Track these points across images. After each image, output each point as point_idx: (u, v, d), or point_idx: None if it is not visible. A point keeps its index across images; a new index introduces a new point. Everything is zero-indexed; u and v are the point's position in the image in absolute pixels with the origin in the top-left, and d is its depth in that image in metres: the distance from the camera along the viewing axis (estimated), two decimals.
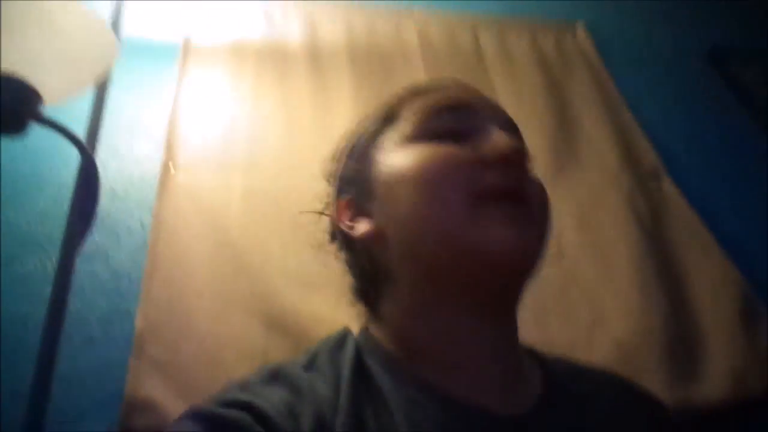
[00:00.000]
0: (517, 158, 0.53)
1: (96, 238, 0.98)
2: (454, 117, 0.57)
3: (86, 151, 0.72)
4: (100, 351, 0.89)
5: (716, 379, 0.94)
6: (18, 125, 0.72)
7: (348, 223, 0.60)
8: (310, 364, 0.52)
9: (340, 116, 1.23)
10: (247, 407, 0.45)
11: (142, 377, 0.82)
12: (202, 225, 1.01)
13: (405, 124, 0.58)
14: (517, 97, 1.37)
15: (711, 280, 1.09)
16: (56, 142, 1.08)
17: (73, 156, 1.07)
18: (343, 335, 0.56)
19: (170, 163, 1.07)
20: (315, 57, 1.34)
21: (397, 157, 0.56)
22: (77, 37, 0.74)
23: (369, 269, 0.58)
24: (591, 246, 1.11)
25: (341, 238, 0.63)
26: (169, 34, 1.30)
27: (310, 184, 1.07)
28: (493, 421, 0.49)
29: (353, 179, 0.61)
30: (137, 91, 1.20)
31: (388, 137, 0.59)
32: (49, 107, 0.79)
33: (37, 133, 1.05)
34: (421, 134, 0.56)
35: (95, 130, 0.78)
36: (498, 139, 0.54)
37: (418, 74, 1.36)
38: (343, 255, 0.64)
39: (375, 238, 0.57)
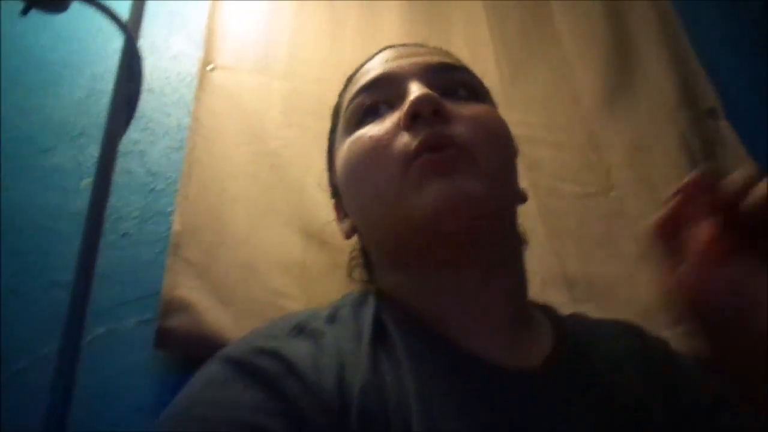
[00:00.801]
0: (424, 108, 0.51)
1: (132, 135, 0.95)
2: (373, 93, 0.57)
3: (131, 36, 0.67)
4: (134, 248, 0.88)
5: None
6: (59, 2, 0.67)
7: (340, 225, 0.65)
8: (332, 317, 0.52)
9: (386, 30, 1.17)
10: (276, 356, 0.45)
11: (178, 278, 0.80)
12: (241, 131, 0.98)
13: (341, 121, 0.61)
14: (574, 20, 1.30)
15: None
16: (93, 30, 1.05)
17: (111, 46, 1.04)
18: (365, 294, 0.57)
19: (209, 62, 1.02)
20: None
21: (339, 153, 0.59)
22: None
23: (362, 256, 0.64)
24: (641, 181, 1.07)
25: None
26: None
27: None
28: (500, 373, 0.48)
29: (332, 183, 0.66)
30: None
31: (338, 136, 0.62)
32: None
33: (73, 19, 1.01)
34: (350, 125, 0.58)
35: (138, 15, 0.73)
36: (410, 95, 0.53)
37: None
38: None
39: (355, 233, 0.62)
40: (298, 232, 0.90)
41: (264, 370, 0.43)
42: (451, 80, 0.58)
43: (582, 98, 1.17)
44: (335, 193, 0.66)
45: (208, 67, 1.02)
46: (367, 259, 0.63)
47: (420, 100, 0.52)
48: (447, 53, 0.64)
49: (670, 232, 0.40)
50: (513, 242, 0.58)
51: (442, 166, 0.50)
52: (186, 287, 0.79)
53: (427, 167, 0.50)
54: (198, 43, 1.07)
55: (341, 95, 0.65)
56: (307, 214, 0.91)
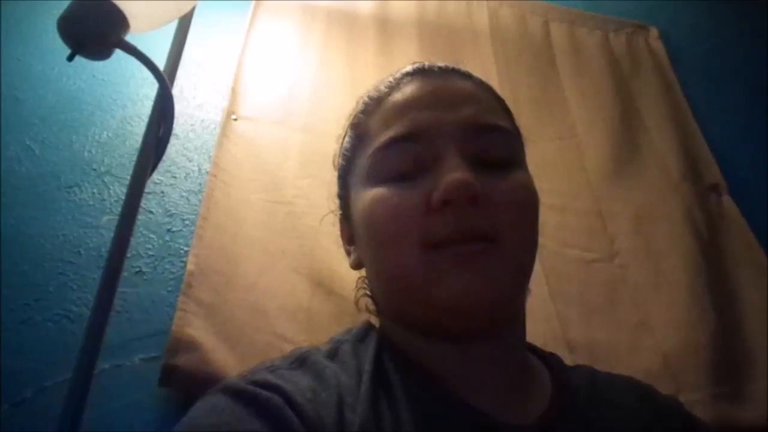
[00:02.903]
0: (460, 197, 0.48)
1: (154, 176, 0.98)
2: (405, 150, 0.52)
3: (166, 83, 0.72)
4: (147, 286, 0.90)
5: (759, 401, 0.92)
6: (103, 50, 0.72)
7: (346, 246, 0.63)
8: (333, 354, 0.53)
9: None
10: (276, 388, 0.45)
11: (189, 317, 0.82)
12: (259, 178, 1.01)
13: (366, 161, 0.55)
14: (582, 92, 1.35)
15: (763, 301, 1.06)
16: (127, 75, 1.11)
17: (142, 91, 1.09)
18: (366, 329, 0.57)
19: (233, 112, 1.07)
20: (384, 26, 1.33)
21: (359, 198, 0.55)
22: None
23: (369, 287, 0.61)
24: (644, 251, 1.09)
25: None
26: None
27: None
28: (496, 427, 0.48)
29: (342, 200, 0.63)
30: (205, 38, 1.20)
31: (357, 167, 0.57)
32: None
33: (109, 63, 1.06)
34: (374, 175, 0.54)
35: (174, 65, 0.78)
36: (447, 176, 0.49)
37: (485, 55, 1.34)
38: None
39: (361, 267, 0.60)
40: (307, 279, 0.92)
41: (265, 401, 0.44)
42: (488, 144, 0.53)
43: (589, 166, 1.21)
44: (345, 215, 0.62)
45: (232, 117, 1.07)
46: (372, 293, 0.61)
47: (457, 187, 0.48)
48: (489, 95, 0.59)
49: None
50: (521, 314, 0.57)
51: (470, 260, 0.48)
52: (195, 327, 0.81)
53: (455, 259, 0.48)
54: (223, 94, 1.13)
55: (364, 113, 0.60)
56: (317, 262, 0.94)
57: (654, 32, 1.56)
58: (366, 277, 0.62)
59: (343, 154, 0.62)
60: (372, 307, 0.62)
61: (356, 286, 0.65)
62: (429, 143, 0.52)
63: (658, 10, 1.66)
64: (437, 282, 0.48)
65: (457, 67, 0.62)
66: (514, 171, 0.54)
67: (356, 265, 0.61)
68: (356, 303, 0.65)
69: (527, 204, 0.54)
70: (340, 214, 0.64)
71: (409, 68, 0.60)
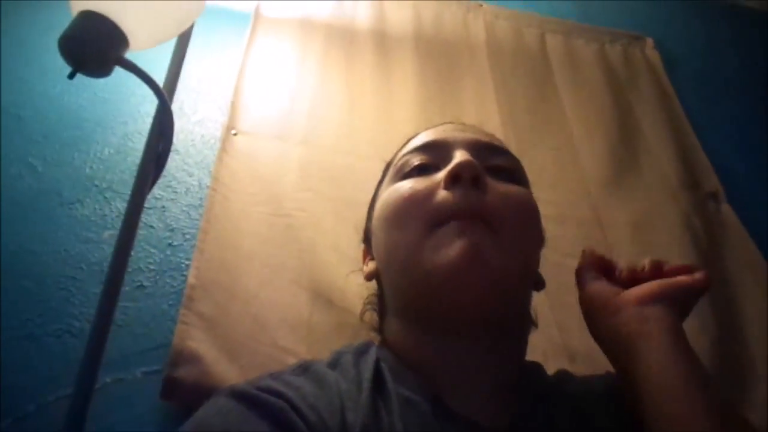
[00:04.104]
0: (466, 172, 0.55)
1: (155, 191, 1.00)
2: (423, 154, 0.61)
3: (166, 100, 0.73)
4: (148, 300, 0.90)
5: (764, 407, 0.91)
6: (103, 68, 0.73)
7: (364, 266, 0.69)
8: (335, 363, 0.56)
9: (401, 103, 1.23)
10: (280, 393, 0.47)
11: (190, 330, 0.82)
12: (258, 192, 1.02)
13: (390, 172, 0.65)
14: (579, 103, 1.36)
15: (764, 308, 1.06)
16: (128, 92, 1.12)
17: (143, 108, 1.11)
18: (366, 344, 0.60)
19: (232, 127, 1.08)
20: (381, 41, 1.34)
21: (380, 200, 0.63)
22: None
23: (377, 302, 0.67)
24: (643, 258, 1.09)
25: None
26: (239, 2, 1.32)
27: (366, 165, 1.09)
28: (477, 430, 0.51)
29: (366, 228, 0.70)
30: (204, 55, 1.22)
31: (383, 185, 0.66)
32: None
33: (110, 81, 1.08)
34: (396, 177, 0.62)
35: (174, 82, 0.79)
36: (455, 159, 0.57)
37: (482, 68, 1.36)
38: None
39: (375, 276, 0.65)
40: (307, 291, 0.92)
41: (271, 404, 0.45)
42: (496, 159, 0.61)
43: (587, 176, 1.22)
44: (366, 239, 0.69)
45: (232, 132, 1.08)
46: (380, 305, 0.65)
47: (463, 165, 0.55)
48: (500, 142, 0.68)
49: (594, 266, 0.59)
50: (521, 324, 0.60)
51: (469, 232, 0.52)
52: (196, 339, 0.81)
53: (455, 231, 0.52)
54: (223, 109, 1.14)
55: (397, 152, 0.68)
56: (317, 274, 0.94)
57: (650, 42, 1.58)
58: (377, 283, 0.66)
59: (375, 190, 0.70)
60: (375, 323, 0.67)
61: (364, 302, 0.70)
62: (443, 150, 0.60)
63: (653, 20, 1.68)
64: (433, 251, 0.52)
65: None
66: (516, 184, 0.60)
67: (372, 274, 0.66)
68: (361, 316, 0.70)
69: (528, 209, 0.59)
70: (364, 247, 0.71)
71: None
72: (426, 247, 0.53)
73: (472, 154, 0.57)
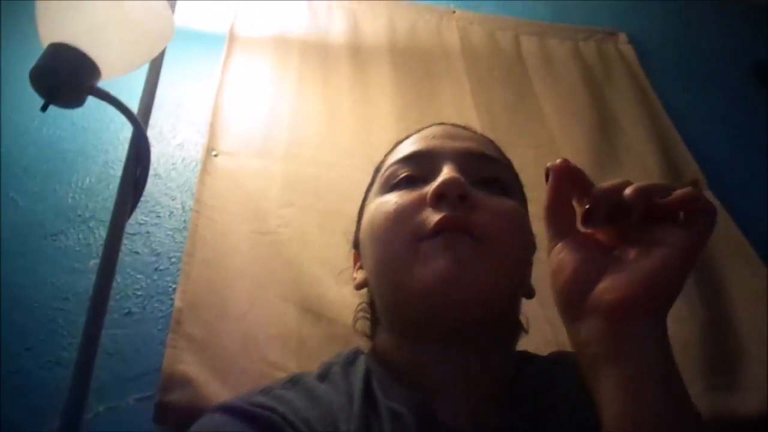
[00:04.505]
0: (451, 191, 0.54)
1: (138, 217, 1.00)
2: (410, 166, 0.60)
3: (140, 126, 0.73)
4: (137, 326, 0.90)
5: (754, 390, 0.92)
6: (76, 98, 0.74)
7: (354, 274, 0.68)
8: (324, 375, 0.56)
9: (380, 112, 1.24)
10: (273, 410, 0.47)
11: (179, 353, 0.82)
12: (242, 211, 1.02)
13: (377, 181, 0.64)
14: (557, 101, 1.37)
15: (750, 292, 1.07)
16: (107, 120, 1.12)
17: (123, 135, 1.11)
18: (355, 353, 0.60)
19: (213, 148, 1.09)
20: (357, 53, 1.35)
21: (367, 211, 0.62)
22: (138, 14, 0.75)
23: (369, 309, 0.66)
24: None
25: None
26: (214, 24, 1.33)
27: (349, 177, 1.10)
28: None
29: (356, 234, 0.68)
30: (181, 78, 1.22)
31: (371, 194, 0.65)
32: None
33: (88, 110, 1.08)
34: (383, 188, 0.61)
35: (148, 107, 0.80)
36: (441, 176, 0.55)
37: (458, 73, 1.37)
38: None
39: (365, 286, 0.64)
40: (295, 306, 0.92)
41: (264, 419, 0.46)
42: (486, 171, 0.60)
43: None
44: (356, 244, 0.68)
45: (212, 153, 1.08)
46: (372, 313, 0.65)
47: (448, 183, 0.54)
48: (491, 145, 0.66)
49: (559, 212, 0.45)
50: (509, 332, 0.60)
51: (453, 247, 0.51)
52: (186, 362, 0.81)
53: (439, 246, 0.52)
54: (202, 132, 1.15)
55: (385, 156, 0.67)
56: (305, 288, 0.94)
57: (623, 37, 1.60)
58: (368, 292, 0.66)
59: (364, 194, 0.69)
60: (367, 330, 0.67)
61: (356, 309, 0.70)
62: (431, 161, 0.59)
63: (625, 15, 1.70)
64: (417, 267, 0.52)
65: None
66: (505, 197, 0.59)
67: (359, 285, 0.66)
68: (354, 324, 0.70)
69: (516, 223, 0.58)
70: (354, 252, 0.70)
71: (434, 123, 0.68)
72: (412, 261, 0.52)
73: (460, 167, 0.57)
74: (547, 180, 0.45)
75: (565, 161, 0.45)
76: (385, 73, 1.32)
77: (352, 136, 1.18)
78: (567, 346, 0.97)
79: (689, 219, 0.40)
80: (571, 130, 1.32)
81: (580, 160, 1.25)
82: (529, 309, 0.98)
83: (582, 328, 0.40)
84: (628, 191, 0.40)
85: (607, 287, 0.40)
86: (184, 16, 1.24)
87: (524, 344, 0.64)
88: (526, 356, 0.63)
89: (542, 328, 0.97)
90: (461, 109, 1.29)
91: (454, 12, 1.51)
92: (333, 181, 1.10)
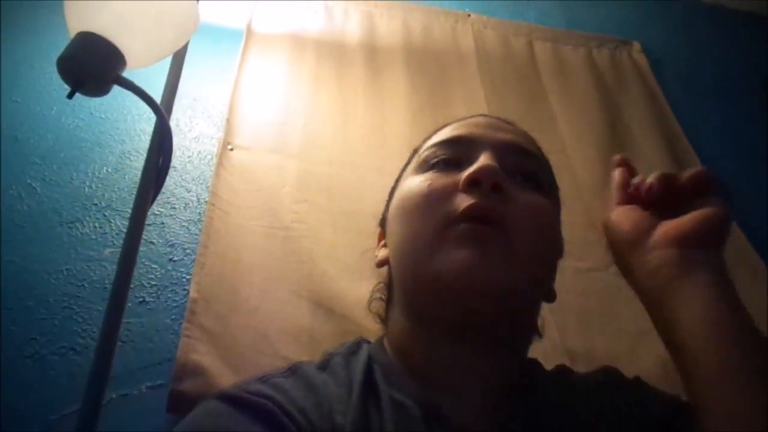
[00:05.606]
0: (486, 179, 0.52)
1: (154, 208, 1.01)
2: (448, 149, 0.59)
3: (164, 116, 0.74)
4: (150, 315, 0.91)
5: None
6: (102, 87, 0.75)
7: (376, 251, 0.66)
8: (325, 365, 0.55)
9: (393, 113, 1.25)
10: (270, 398, 0.47)
11: (193, 343, 0.83)
12: (256, 205, 1.03)
13: (414, 161, 0.62)
14: (569, 107, 1.38)
15: (759, 301, 1.08)
16: (124, 112, 1.14)
17: (139, 126, 1.12)
18: (358, 343, 0.59)
19: (228, 142, 1.10)
20: (372, 53, 1.36)
21: (400, 188, 0.61)
22: (164, 6, 0.76)
23: (386, 289, 0.64)
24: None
25: None
26: (231, 19, 1.34)
27: (361, 177, 1.11)
28: None
29: (384, 213, 0.67)
30: (198, 72, 1.23)
31: (406, 172, 0.63)
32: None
33: (107, 101, 1.09)
34: (418, 168, 0.60)
35: (170, 99, 0.81)
36: (477, 163, 0.54)
37: (472, 77, 1.38)
38: None
39: (386, 264, 0.62)
40: (308, 301, 0.93)
41: (261, 407, 0.46)
42: (522, 164, 0.58)
43: (579, 178, 1.23)
44: (383, 222, 0.67)
45: (228, 147, 1.09)
46: (388, 293, 0.63)
47: (483, 170, 0.53)
48: (533, 141, 0.65)
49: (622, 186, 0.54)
50: (525, 333, 0.59)
51: (479, 237, 0.50)
52: (200, 352, 0.82)
53: (466, 234, 0.50)
54: (219, 126, 1.16)
55: (424, 140, 0.65)
56: (316, 284, 0.95)
57: (636, 46, 1.61)
58: (387, 271, 0.64)
59: (399, 174, 0.67)
60: (381, 312, 0.65)
61: (373, 289, 0.68)
62: (470, 148, 0.58)
63: (639, 25, 1.71)
64: (441, 252, 0.51)
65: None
66: (540, 193, 0.57)
67: (380, 263, 0.64)
68: (368, 304, 0.67)
69: (547, 222, 0.57)
70: (380, 230, 0.68)
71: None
72: (437, 245, 0.51)
73: (497, 157, 0.55)
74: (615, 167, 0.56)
75: (623, 157, 0.56)
76: (400, 74, 1.33)
77: (366, 136, 1.19)
78: (574, 350, 0.98)
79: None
80: (583, 136, 1.33)
81: (590, 166, 1.26)
82: None
83: (652, 258, 0.47)
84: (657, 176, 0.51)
85: (671, 226, 0.48)
86: (202, 11, 1.25)
87: (533, 348, 0.64)
88: (537, 365, 0.62)
89: (550, 332, 0.98)
90: (474, 112, 1.28)
91: (470, 15, 1.52)
92: (345, 180, 1.11)
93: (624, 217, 0.51)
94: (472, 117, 0.65)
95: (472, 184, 0.53)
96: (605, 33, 1.63)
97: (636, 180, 0.52)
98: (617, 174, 0.55)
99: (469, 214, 0.51)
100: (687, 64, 1.66)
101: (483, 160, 0.55)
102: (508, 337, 0.55)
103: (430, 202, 0.54)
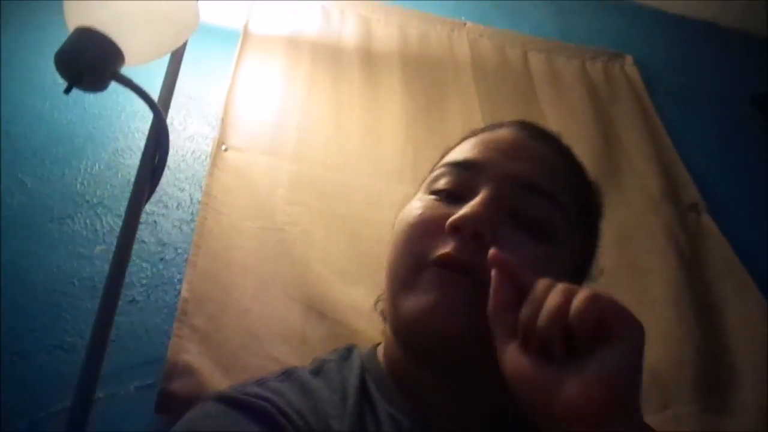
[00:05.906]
0: (466, 228, 0.50)
1: (146, 207, 1.00)
2: (458, 175, 0.57)
3: (161, 113, 0.74)
4: (140, 314, 0.90)
5: (747, 413, 0.93)
6: (99, 83, 0.74)
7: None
8: (318, 371, 0.56)
9: (388, 118, 1.25)
10: (267, 400, 0.48)
11: (184, 343, 0.83)
12: (250, 206, 1.03)
13: (431, 175, 0.61)
14: (563, 118, 1.39)
15: (745, 316, 1.09)
16: (118, 108, 1.13)
17: (133, 124, 1.12)
18: (349, 350, 0.60)
19: (223, 142, 1.09)
20: (368, 58, 1.36)
21: (408, 203, 0.60)
22: (164, 3, 0.76)
23: None
24: (628, 269, 1.12)
25: None
26: (228, 19, 1.34)
27: (355, 181, 1.11)
28: None
29: None
30: (195, 72, 1.22)
31: (424, 182, 0.62)
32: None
33: (101, 97, 1.08)
34: (426, 187, 0.60)
35: (167, 97, 0.81)
36: (467, 206, 0.52)
37: (467, 85, 1.38)
38: None
39: None
40: (299, 304, 0.93)
41: (259, 408, 0.46)
42: (525, 206, 0.54)
43: None
44: None
45: (222, 147, 1.09)
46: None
47: (466, 218, 0.51)
48: (556, 168, 0.59)
49: (504, 314, 0.44)
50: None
51: (444, 285, 0.50)
52: (190, 352, 0.82)
53: (433, 281, 0.50)
54: (213, 125, 1.15)
55: (452, 146, 0.64)
56: (309, 287, 0.95)
57: (629, 59, 1.62)
58: None
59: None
60: (386, 312, 0.62)
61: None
62: (476, 176, 0.56)
63: (632, 38, 1.73)
64: (410, 293, 0.51)
65: (558, 136, 0.67)
66: (542, 244, 0.54)
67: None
68: (375, 304, 0.67)
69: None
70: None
71: (515, 119, 0.65)
72: (408, 286, 0.52)
73: (499, 195, 0.53)
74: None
75: (497, 254, 0.45)
76: (395, 80, 1.33)
77: (360, 140, 1.19)
78: None
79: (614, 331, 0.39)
80: (575, 147, 1.32)
81: None
82: None
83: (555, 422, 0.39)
84: (542, 322, 0.40)
85: (574, 394, 0.38)
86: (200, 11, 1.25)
87: None
88: None
89: None
90: (468, 120, 1.30)
91: (465, 24, 1.53)
92: (340, 184, 1.11)
93: (519, 372, 0.41)
94: (505, 126, 0.62)
95: (453, 230, 0.51)
96: (599, 46, 1.64)
97: (525, 312, 0.42)
98: (495, 286, 0.44)
99: (440, 262, 0.51)
100: (679, 78, 1.68)
101: (475, 202, 0.52)
102: (480, 374, 0.53)
103: (416, 234, 0.54)
